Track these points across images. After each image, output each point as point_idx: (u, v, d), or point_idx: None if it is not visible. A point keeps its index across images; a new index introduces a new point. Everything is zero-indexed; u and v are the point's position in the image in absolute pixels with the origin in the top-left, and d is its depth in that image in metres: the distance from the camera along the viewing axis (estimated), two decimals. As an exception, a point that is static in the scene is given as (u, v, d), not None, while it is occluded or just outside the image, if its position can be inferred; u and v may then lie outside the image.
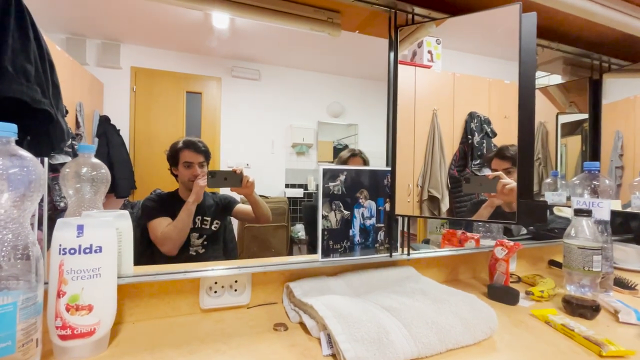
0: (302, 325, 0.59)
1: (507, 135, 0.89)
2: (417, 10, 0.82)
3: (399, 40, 0.82)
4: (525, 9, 0.67)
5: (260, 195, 1.25)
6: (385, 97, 0.82)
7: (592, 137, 1.10)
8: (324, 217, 0.71)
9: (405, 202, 1.04)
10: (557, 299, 0.75)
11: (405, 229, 0.82)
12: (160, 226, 1.10)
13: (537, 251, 1.06)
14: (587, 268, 0.65)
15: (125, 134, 2.53)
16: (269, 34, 2.45)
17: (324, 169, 0.70)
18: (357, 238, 0.73)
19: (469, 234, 0.95)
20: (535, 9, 0.69)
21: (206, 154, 1.21)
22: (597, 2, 0.79)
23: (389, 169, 0.79)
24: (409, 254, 0.80)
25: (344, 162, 1.45)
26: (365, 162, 1.44)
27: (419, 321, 0.53)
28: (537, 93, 1.36)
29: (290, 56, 2.89)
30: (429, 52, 1.19)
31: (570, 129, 1.31)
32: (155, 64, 2.70)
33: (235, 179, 0.93)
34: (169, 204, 1.17)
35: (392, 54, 0.81)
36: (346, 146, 3.23)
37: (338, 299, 0.58)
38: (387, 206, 0.77)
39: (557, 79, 1.36)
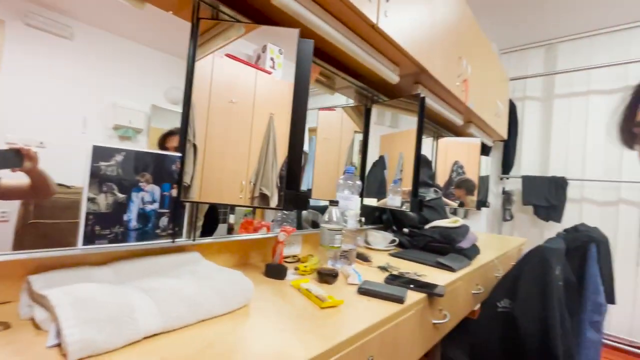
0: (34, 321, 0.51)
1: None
2: (223, 8, 0.87)
3: (210, 33, 0.84)
4: (306, 34, 0.82)
5: (60, 185, 0.99)
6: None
7: (363, 153, 1.46)
8: (91, 200, 0.64)
9: (237, 199, 1.07)
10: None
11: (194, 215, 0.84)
12: None
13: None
14: (331, 244, 0.86)
15: None
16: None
17: (94, 146, 0.63)
18: (134, 223, 0.70)
19: (263, 222, 1.07)
20: (314, 38, 0.85)
21: None
22: (358, 45, 1.05)
23: (180, 155, 0.79)
24: (194, 239, 0.82)
25: (160, 141, 1.30)
26: None
27: (173, 297, 0.55)
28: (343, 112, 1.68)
29: (118, 22, 2.43)
30: (272, 59, 1.27)
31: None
32: None
33: (14, 158, 0.72)
34: None
35: (192, 42, 0.82)
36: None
37: (87, 286, 0.53)
38: (174, 192, 0.77)
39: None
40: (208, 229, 0.89)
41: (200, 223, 0.86)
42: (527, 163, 2.84)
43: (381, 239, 1.42)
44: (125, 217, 0.68)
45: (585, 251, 1.55)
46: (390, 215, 1.56)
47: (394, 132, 1.54)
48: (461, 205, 2.16)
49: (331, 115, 1.50)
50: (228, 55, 0.89)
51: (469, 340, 1.21)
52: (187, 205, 0.81)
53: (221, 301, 0.60)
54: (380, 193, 1.47)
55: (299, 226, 1.22)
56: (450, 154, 2.28)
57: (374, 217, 1.61)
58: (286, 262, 1.05)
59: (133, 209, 0.69)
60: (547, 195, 2.52)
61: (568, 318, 1.15)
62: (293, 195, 0.77)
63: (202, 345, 0.50)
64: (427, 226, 1.44)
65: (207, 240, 0.86)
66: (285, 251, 1.12)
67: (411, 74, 1.36)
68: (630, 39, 2.42)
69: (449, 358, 1.18)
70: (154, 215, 0.73)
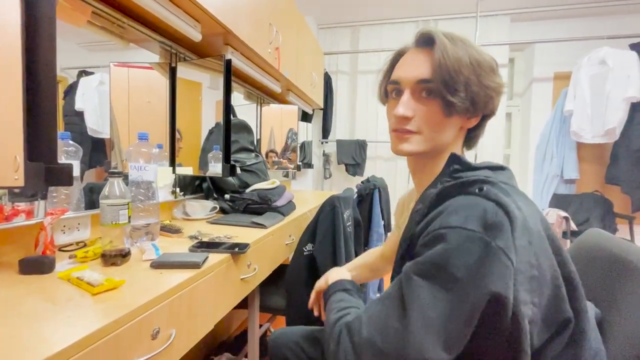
0: None
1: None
2: None
3: None
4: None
5: None
6: None
7: (170, 113, 1.32)
8: None
9: (11, 180, 0.75)
10: (105, 255, 0.82)
11: None
12: None
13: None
14: (115, 222, 0.75)
15: None
16: None
17: None
18: None
19: (20, 208, 0.82)
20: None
21: None
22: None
23: None
24: None
25: None
26: None
27: None
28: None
29: None
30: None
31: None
32: None
33: None
34: None
35: None
36: None
37: None
38: None
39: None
40: None
41: None
42: (340, 128, 3.35)
43: (200, 208, 1.37)
44: None
45: (372, 196, 2.00)
46: (210, 183, 1.52)
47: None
48: (298, 168, 2.41)
49: (151, 76, 1.29)
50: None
51: (284, 285, 1.38)
52: None
53: None
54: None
55: (92, 205, 1.01)
56: (285, 122, 2.41)
57: (195, 187, 1.54)
58: (65, 250, 0.86)
59: None
60: (354, 155, 3.08)
61: (355, 250, 1.48)
62: (39, 168, 0.61)
63: None
64: (248, 190, 1.49)
65: None
66: (65, 238, 0.92)
67: (218, 33, 1.29)
68: (402, 31, 3.13)
69: (267, 305, 1.32)
70: None
